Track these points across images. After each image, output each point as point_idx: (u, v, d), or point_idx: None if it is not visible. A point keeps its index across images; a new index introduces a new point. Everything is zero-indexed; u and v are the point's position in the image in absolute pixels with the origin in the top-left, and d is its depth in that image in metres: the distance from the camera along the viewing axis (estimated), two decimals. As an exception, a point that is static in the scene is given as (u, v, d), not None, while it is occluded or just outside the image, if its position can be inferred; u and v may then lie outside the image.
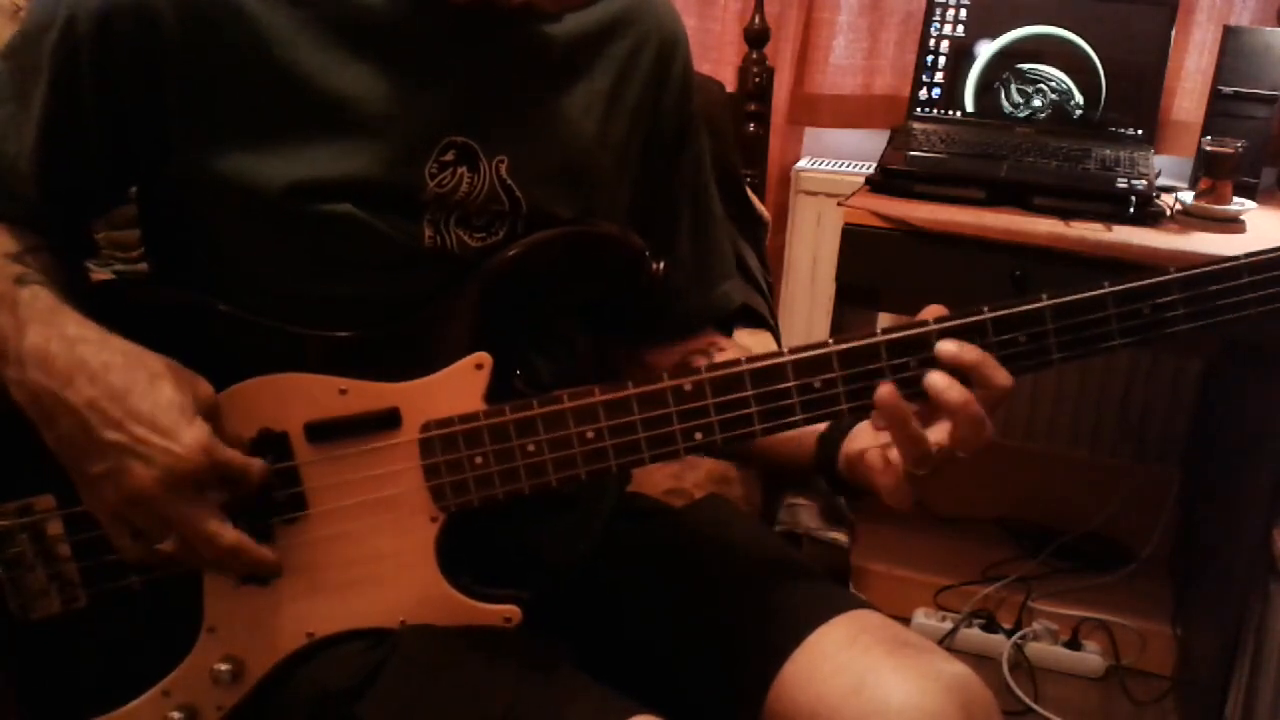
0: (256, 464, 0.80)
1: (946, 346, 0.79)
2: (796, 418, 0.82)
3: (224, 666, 0.84)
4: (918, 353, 0.80)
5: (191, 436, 0.75)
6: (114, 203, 0.93)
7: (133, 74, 0.80)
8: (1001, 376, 0.79)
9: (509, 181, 0.88)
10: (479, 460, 0.83)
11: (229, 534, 0.78)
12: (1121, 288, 0.80)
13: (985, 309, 0.80)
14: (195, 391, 0.78)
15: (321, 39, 0.82)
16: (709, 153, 1.05)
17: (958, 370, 0.79)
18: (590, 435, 0.82)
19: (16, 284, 0.79)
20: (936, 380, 0.79)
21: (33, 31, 0.82)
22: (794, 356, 0.81)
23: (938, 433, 0.79)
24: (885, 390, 0.78)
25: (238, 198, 0.82)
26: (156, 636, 0.86)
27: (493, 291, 0.87)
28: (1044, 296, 0.80)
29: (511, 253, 0.88)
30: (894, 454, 0.81)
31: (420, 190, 0.85)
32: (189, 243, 0.87)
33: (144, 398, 0.75)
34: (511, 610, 0.86)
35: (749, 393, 0.81)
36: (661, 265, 0.92)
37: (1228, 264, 0.79)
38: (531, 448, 0.83)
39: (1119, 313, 0.80)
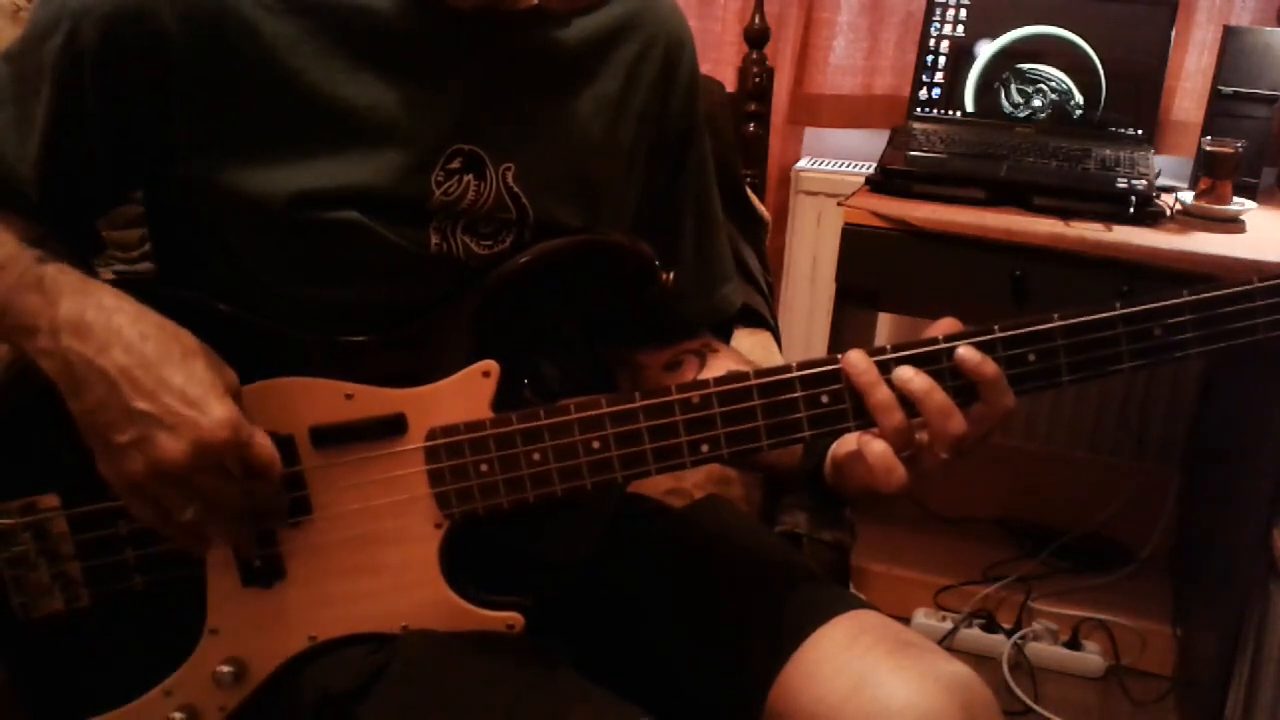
0: (275, 458, 0.80)
1: (970, 354, 0.78)
2: (804, 433, 0.81)
3: (226, 668, 0.85)
4: (927, 367, 0.79)
5: (221, 412, 0.75)
6: (116, 204, 0.93)
7: (136, 82, 0.80)
8: (1008, 398, 0.79)
9: (515, 189, 0.88)
10: (484, 468, 0.83)
11: (248, 502, 0.78)
12: (1132, 309, 0.79)
13: (996, 326, 0.79)
14: (224, 377, 0.78)
15: (326, 48, 0.81)
16: (711, 155, 1.05)
17: (971, 380, 0.79)
18: (596, 445, 0.82)
19: (39, 263, 0.79)
20: (902, 370, 0.79)
21: (35, 36, 0.82)
22: (802, 372, 0.81)
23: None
24: (854, 353, 0.79)
25: (243, 206, 0.82)
26: (159, 637, 0.86)
27: (501, 299, 0.87)
28: (1055, 316, 0.79)
29: (520, 261, 0.87)
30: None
31: (426, 199, 0.85)
32: (195, 245, 0.88)
33: (177, 370, 0.75)
34: (514, 618, 0.86)
35: (756, 404, 0.81)
36: (671, 276, 0.91)
37: (1241, 287, 0.78)
38: (537, 456, 0.83)
39: (1129, 333, 0.79)
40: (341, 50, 0.82)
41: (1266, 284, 0.78)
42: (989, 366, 0.78)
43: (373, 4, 0.83)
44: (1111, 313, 0.79)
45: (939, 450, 0.79)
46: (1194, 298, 0.78)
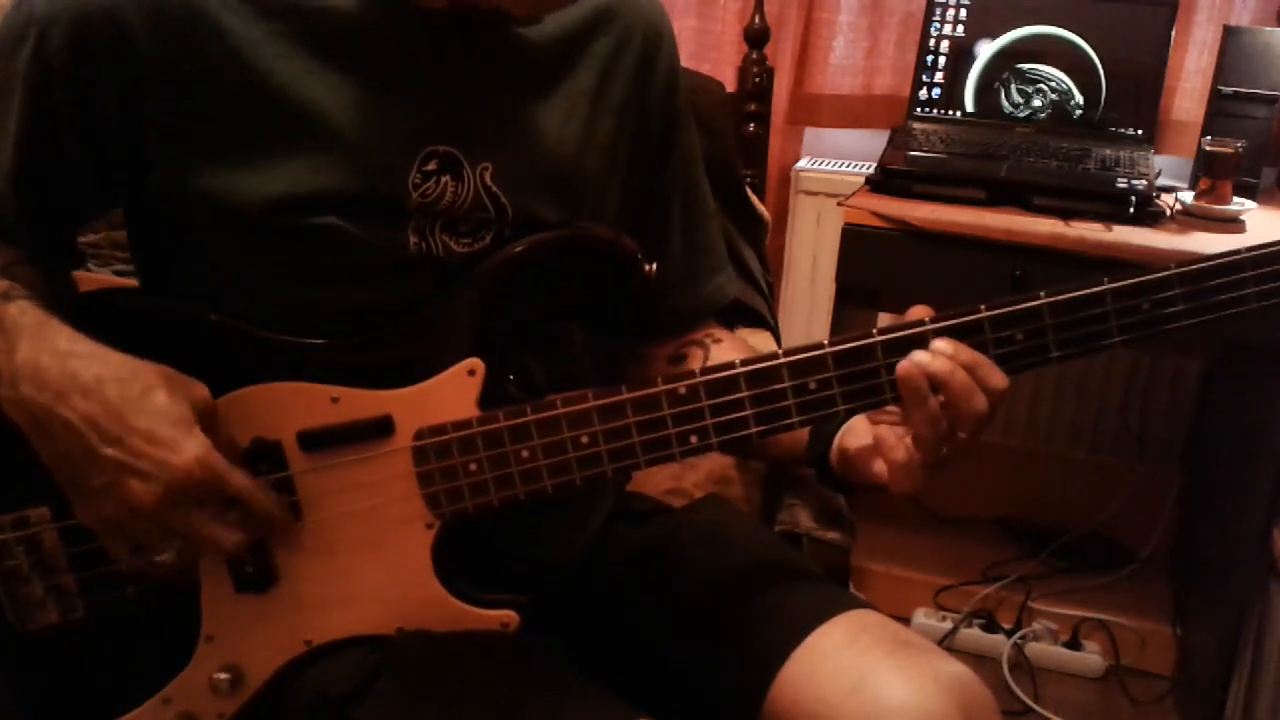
0: (253, 487, 0.79)
1: (941, 345, 0.79)
2: (793, 420, 0.82)
3: (223, 675, 0.85)
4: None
5: (191, 449, 0.75)
6: (96, 216, 0.93)
7: (106, 86, 0.80)
8: (997, 377, 0.79)
9: (494, 188, 0.87)
10: (473, 467, 0.83)
11: (231, 536, 0.78)
12: (1120, 284, 0.79)
13: (982, 307, 0.80)
14: (191, 397, 0.78)
15: (297, 51, 0.81)
16: (700, 147, 1.04)
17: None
18: (585, 440, 0.82)
19: (3, 301, 0.78)
20: (919, 356, 0.78)
21: (4, 49, 0.81)
22: (789, 358, 0.81)
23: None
24: (906, 365, 0.78)
25: (219, 212, 0.82)
26: (155, 645, 0.86)
27: (483, 297, 0.87)
28: (1042, 294, 0.79)
29: (502, 257, 0.87)
30: (908, 439, 0.81)
31: (404, 200, 0.84)
32: (176, 253, 0.87)
33: (140, 412, 0.74)
34: (509, 616, 0.85)
35: (744, 395, 0.81)
36: (653, 267, 0.91)
37: (1228, 258, 0.78)
38: (526, 454, 0.82)
39: (1118, 309, 0.79)
40: (311, 53, 0.81)
41: (1254, 254, 0.78)
42: (963, 354, 0.78)
43: (342, 5, 0.82)
44: (1099, 288, 0.79)
45: (961, 430, 0.79)
46: (1181, 270, 0.78)
